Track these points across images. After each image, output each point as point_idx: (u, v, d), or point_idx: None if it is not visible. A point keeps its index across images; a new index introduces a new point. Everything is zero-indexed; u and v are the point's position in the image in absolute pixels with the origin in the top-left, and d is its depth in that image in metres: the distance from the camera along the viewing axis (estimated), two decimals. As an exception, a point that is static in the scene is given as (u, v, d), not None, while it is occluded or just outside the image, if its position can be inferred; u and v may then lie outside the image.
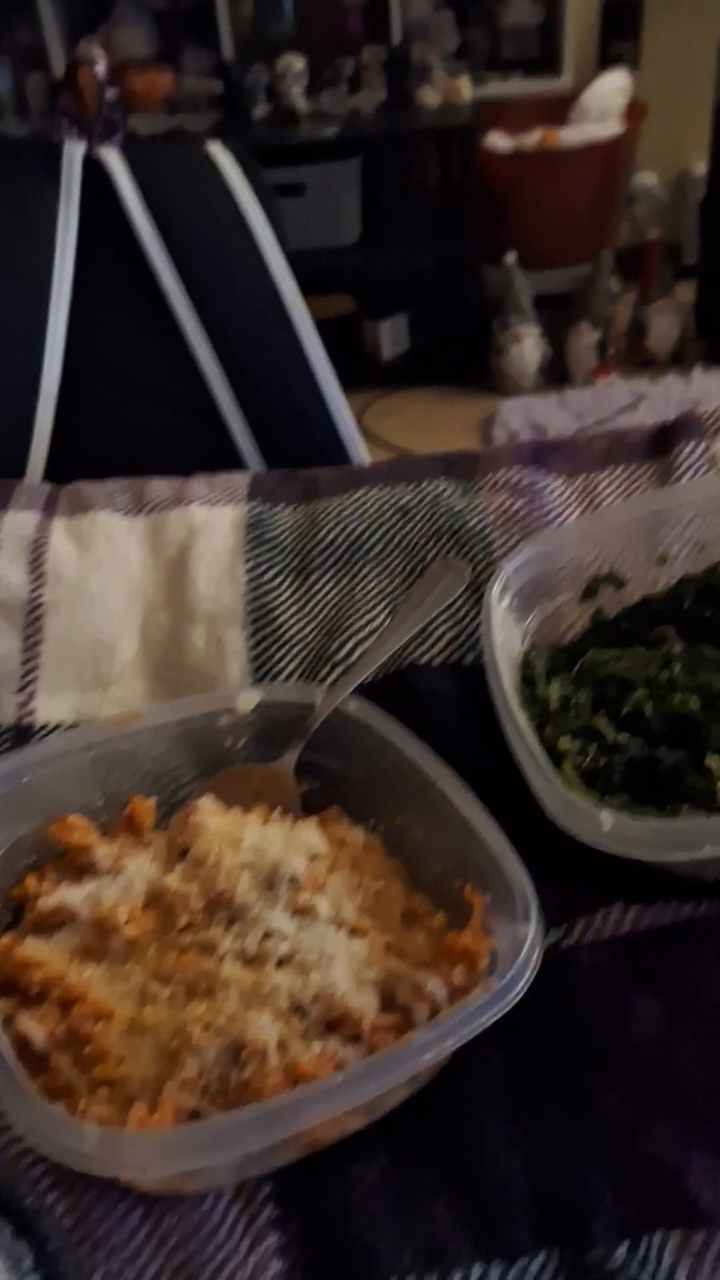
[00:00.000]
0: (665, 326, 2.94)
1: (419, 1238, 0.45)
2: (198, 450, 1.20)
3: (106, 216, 1.09)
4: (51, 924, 0.55)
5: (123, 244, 1.10)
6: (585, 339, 2.90)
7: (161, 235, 1.10)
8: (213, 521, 0.78)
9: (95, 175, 1.09)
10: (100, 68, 1.02)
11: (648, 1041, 0.49)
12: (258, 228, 1.12)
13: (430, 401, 3.03)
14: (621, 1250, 0.44)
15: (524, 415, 2.79)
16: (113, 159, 1.09)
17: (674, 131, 3.24)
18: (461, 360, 3.08)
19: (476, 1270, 0.44)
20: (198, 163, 1.13)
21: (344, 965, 0.51)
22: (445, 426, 2.88)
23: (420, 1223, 0.46)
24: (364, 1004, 0.50)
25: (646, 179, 3.34)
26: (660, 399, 2.73)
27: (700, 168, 3.13)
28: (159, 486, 0.82)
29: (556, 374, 2.98)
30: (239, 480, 0.83)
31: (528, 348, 2.92)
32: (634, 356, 2.98)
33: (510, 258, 2.93)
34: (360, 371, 2.95)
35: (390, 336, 3.19)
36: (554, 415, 2.75)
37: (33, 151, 1.09)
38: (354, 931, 0.54)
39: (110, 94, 1.04)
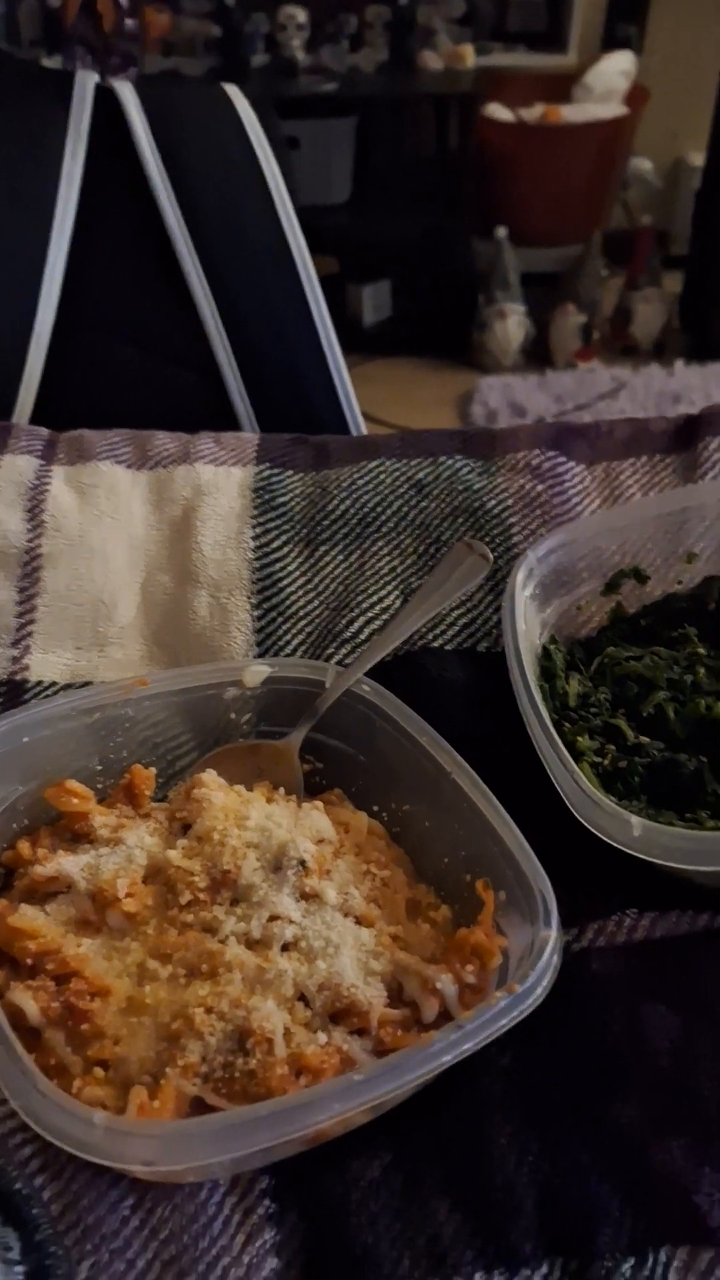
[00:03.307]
0: (650, 315, 2.93)
1: (420, 1241, 0.44)
2: (190, 406, 1.16)
3: (115, 152, 1.04)
4: (46, 892, 0.53)
5: (130, 182, 1.05)
6: (570, 321, 2.88)
7: (170, 175, 1.06)
8: (219, 482, 0.76)
9: (106, 108, 1.04)
10: (123, -4, 0.97)
11: (661, 1053, 0.48)
12: (272, 177, 1.08)
13: (408, 372, 3.00)
14: (627, 1265, 0.43)
15: (503, 394, 2.76)
16: (126, 91, 1.04)
17: (672, 119, 3.22)
18: (443, 333, 3.05)
19: (478, 1278, 0.43)
20: (214, 104, 1.08)
21: (351, 955, 0.50)
22: (422, 399, 2.85)
23: (422, 1226, 0.44)
24: (372, 996, 0.48)
25: (641, 165, 3.32)
26: (641, 389, 2.72)
27: (696, 157, 3.12)
28: (164, 440, 0.79)
29: (538, 354, 2.96)
30: (247, 440, 0.80)
31: (512, 325, 2.89)
32: (617, 343, 2.97)
33: (501, 232, 2.90)
34: (339, 336, 2.90)
35: (372, 302, 3.14)
36: (533, 396, 2.73)
37: (43, 77, 1.04)
38: (360, 920, 0.52)
39: (130, 25, 1.00)
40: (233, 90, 1.12)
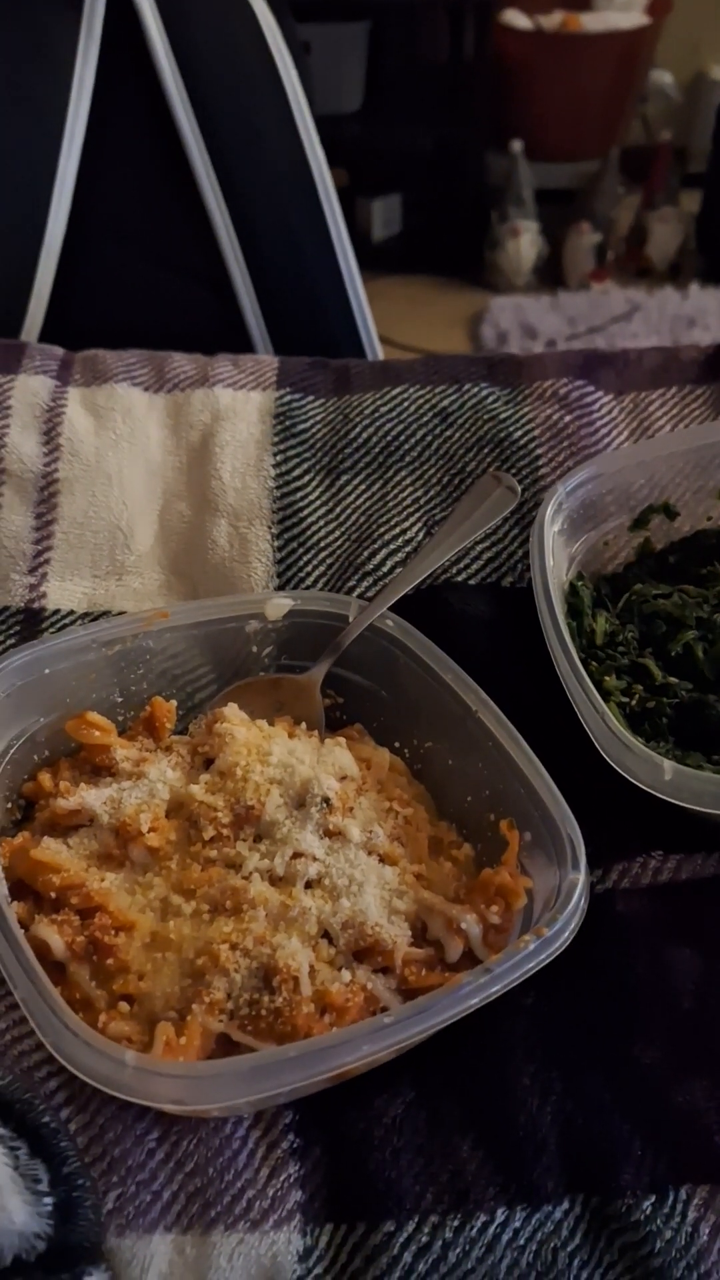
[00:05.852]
0: (666, 235, 2.85)
1: (443, 1177, 0.44)
2: (203, 324, 1.13)
3: (129, 56, 1.00)
4: (68, 825, 0.52)
5: (144, 89, 1.01)
6: (585, 240, 2.81)
7: (186, 82, 1.01)
8: (238, 407, 0.74)
9: (119, 9, 0.99)
10: None
11: (685, 994, 0.48)
12: (291, 86, 1.04)
13: (418, 290, 2.93)
14: (648, 1203, 0.43)
15: (514, 315, 2.70)
16: (140, -8, 0.99)
17: (695, 31, 3.10)
18: (454, 250, 2.97)
19: (500, 1214, 0.43)
20: (232, 7, 1.04)
21: (375, 893, 0.50)
22: (431, 319, 2.79)
23: (445, 1162, 0.45)
24: (396, 935, 0.48)
25: (661, 78, 3.20)
26: (655, 311, 2.66)
27: (718, 71, 3.01)
28: (181, 362, 0.77)
29: (551, 274, 2.89)
30: (266, 364, 0.78)
31: (525, 243, 2.82)
32: (631, 264, 2.90)
33: (516, 145, 2.81)
34: (349, 251, 2.82)
35: (383, 216, 3.05)
36: (545, 317, 2.68)
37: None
38: (384, 859, 0.52)
39: None
40: (251, -9, 1.07)
